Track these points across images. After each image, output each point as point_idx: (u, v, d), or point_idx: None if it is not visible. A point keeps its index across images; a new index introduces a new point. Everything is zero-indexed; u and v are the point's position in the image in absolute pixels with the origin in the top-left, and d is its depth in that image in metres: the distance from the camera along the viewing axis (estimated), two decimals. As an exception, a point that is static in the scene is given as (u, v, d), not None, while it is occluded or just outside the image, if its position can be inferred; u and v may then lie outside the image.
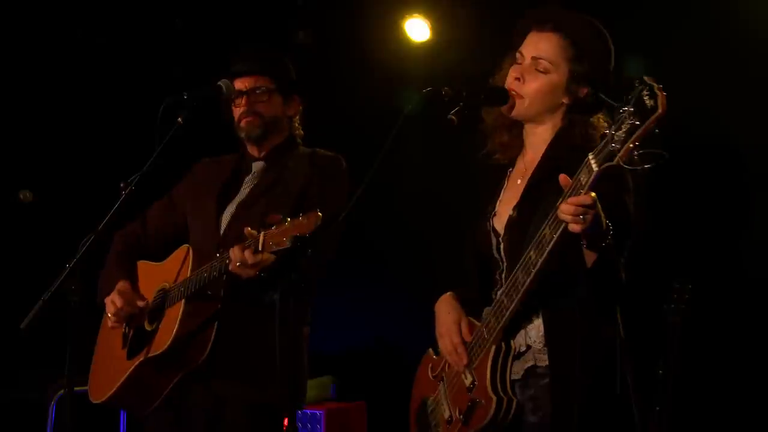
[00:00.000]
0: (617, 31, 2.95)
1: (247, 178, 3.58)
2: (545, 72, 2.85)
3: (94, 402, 3.58)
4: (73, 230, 3.50)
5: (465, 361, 2.86)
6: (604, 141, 2.37)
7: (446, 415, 2.93)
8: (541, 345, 2.78)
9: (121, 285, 3.51)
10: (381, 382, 5.90)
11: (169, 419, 3.45)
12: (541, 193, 2.79)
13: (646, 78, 2.30)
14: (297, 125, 3.66)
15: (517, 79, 2.87)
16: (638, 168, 2.32)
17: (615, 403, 2.72)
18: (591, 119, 2.89)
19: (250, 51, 3.64)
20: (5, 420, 5.33)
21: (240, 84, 3.54)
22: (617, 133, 2.33)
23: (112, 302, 3.49)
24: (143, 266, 3.66)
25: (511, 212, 2.87)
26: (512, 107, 2.88)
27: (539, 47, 2.86)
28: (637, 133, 2.29)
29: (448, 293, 3.01)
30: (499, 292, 2.82)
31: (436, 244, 5.67)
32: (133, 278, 3.60)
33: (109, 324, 3.54)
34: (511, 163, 3.02)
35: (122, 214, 3.50)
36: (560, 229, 2.52)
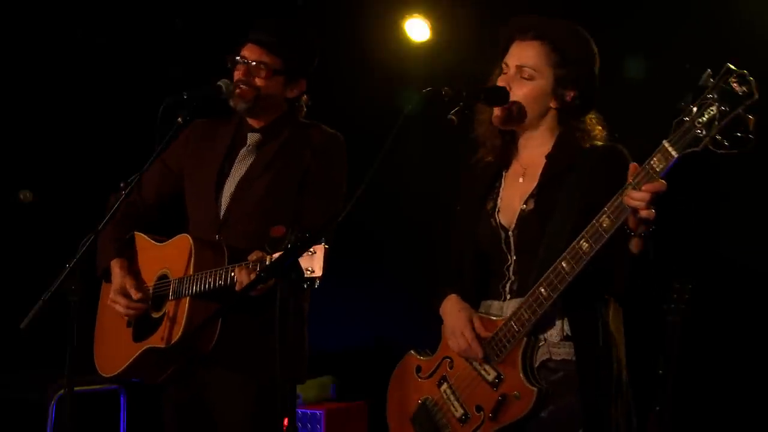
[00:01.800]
0: (617, 31, 2.96)
1: (242, 151, 3.53)
2: (530, 79, 2.92)
3: (104, 376, 3.66)
4: (73, 230, 3.50)
5: (480, 355, 2.88)
6: (683, 128, 2.43)
7: (458, 413, 2.94)
8: (558, 339, 2.82)
9: (118, 278, 3.53)
10: (381, 382, 5.89)
11: (175, 397, 3.52)
12: (556, 189, 2.86)
13: (731, 66, 2.39)
14: (302, 105, 3.58)
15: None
16: (725, 152, 2.38)
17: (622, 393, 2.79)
18: (584, 120, 2.97)
19: (271, 22, 3.53)
20: (5, 420, 5.33)
21: (247, 51, 3.47)
22: (699, 119, 2.39)
23: (116, 303, 3.52)
24: (142, 242, 3.65)
25: (522, 206, 2.92)
26: (503, 119, 2.93)
27: (522, 56, 2.93)
28: (727, 118, 2.36)
29: (453, 295, 3.02)
30: (513, 286, 2.87)
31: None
32: (130, 254, 3.62)
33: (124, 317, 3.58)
34: (503, 164, 3.06)
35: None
36: (622, 218, 2.57)
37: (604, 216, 2.60)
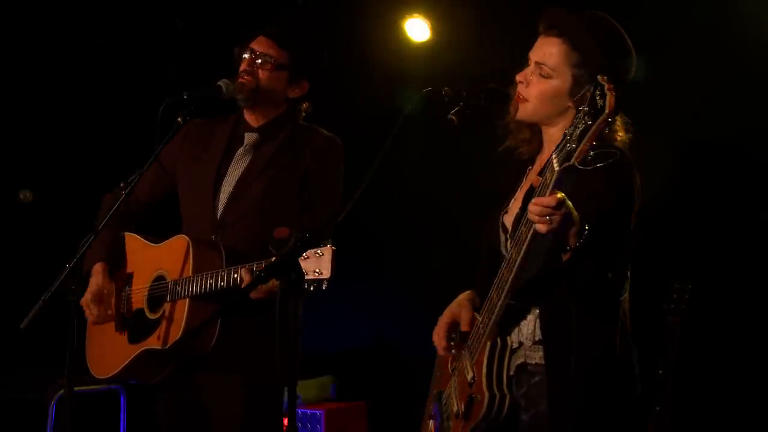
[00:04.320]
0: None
1: (239, 151, 3.53)
2: (547, 77, 2.85)
3: (98, 377, 3.64)
4: (73, 230, 3.50)
5: (443, 346, 2.95)
6: (563, 141, 2.41)
7: (455, 408, 2.94)
8: (531, 342, 2.79)
9: (95, 282, 3.53)
10: (381, 382, 5.91)
11: (172, 399, 3.51)
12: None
13: (599, 78, 2.35)
14: (302, 108, 3.60)
15: (521, 82, 2.89)
16: (591, 167, 2.35)
17: (617, 400, 2.72)
18: None
19: (286, 20, 3.56)
20: (5, 420, 5.33)
21: (256, 43, 3.49)
22: (573, 133, 2.37)
23: (88, 308, 3.52)
24: (134, 242, 3.63)
25: (519, 210, 2.88)
26: (516, 110, 2.89)
27: (542, 53, 2.87)
28: (589, 133, 2.33)
29: (470, 291, 3.01)
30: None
31: (436, 244, 5.68)
32: (119, 255, 3.61)
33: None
34: (531, 160, 3.03)
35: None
36: (532, 228, 2.53)
37: (522, 225, 2.58)
